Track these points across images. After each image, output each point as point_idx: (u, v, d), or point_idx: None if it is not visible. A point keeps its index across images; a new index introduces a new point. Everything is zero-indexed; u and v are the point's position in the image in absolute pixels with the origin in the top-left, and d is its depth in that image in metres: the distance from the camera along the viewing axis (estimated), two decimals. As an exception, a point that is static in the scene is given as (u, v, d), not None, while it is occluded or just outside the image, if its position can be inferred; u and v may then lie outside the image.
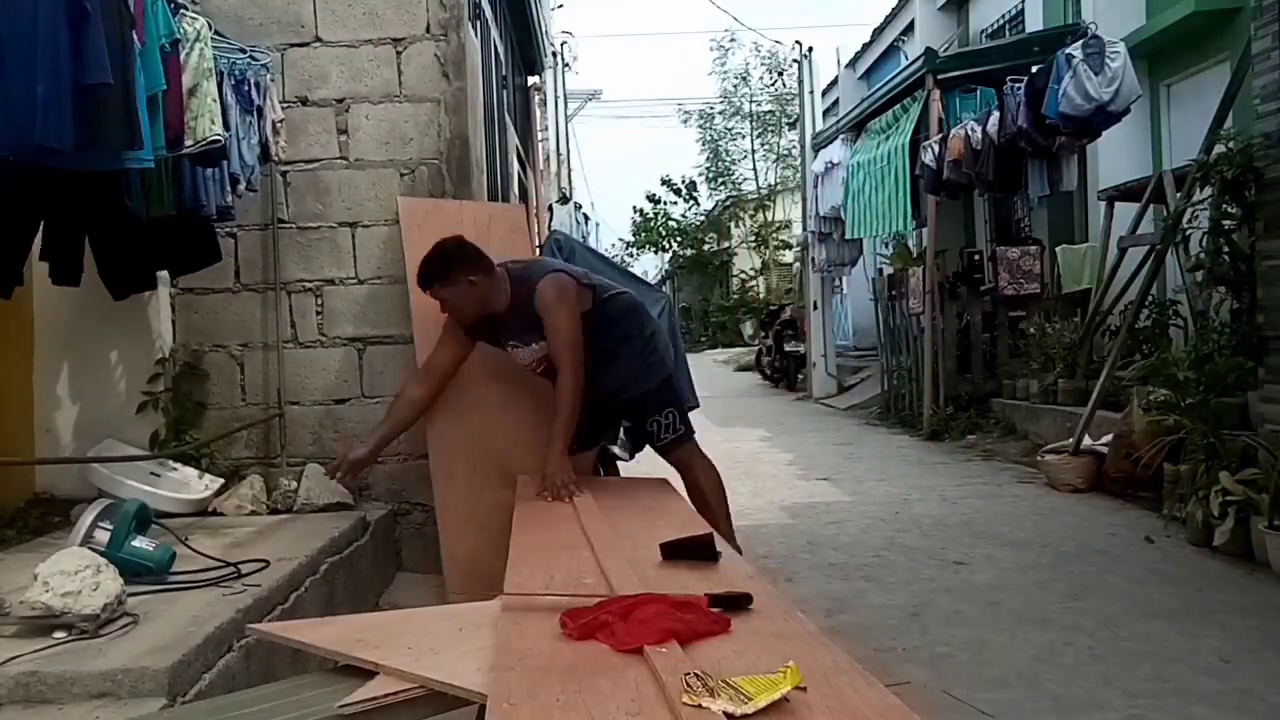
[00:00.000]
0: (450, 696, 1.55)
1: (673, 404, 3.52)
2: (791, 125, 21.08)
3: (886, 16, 14.20)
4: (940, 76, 8.53)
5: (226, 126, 3.24)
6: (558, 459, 3.13)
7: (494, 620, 1.81)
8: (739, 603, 1.78)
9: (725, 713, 1.27)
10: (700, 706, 1.28)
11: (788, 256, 22.64)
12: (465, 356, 3.51)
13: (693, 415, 4.91)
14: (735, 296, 24.90)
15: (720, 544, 2.27)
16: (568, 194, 15.49)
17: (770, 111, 24.58)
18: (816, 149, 12.36)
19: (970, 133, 7.59)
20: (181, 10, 2.98)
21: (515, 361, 3.46)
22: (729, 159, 26.26)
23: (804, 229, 13.39)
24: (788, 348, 13.78)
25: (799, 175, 14.58)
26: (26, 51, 2.38)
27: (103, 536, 2.61)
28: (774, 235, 23.54)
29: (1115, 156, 8.10)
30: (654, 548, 2.22)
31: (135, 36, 2.63)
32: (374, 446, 3.45)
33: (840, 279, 13.55)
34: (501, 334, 3.42)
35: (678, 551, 2.18)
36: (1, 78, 2.37)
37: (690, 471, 3.56)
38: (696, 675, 1.35)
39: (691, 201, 27.35)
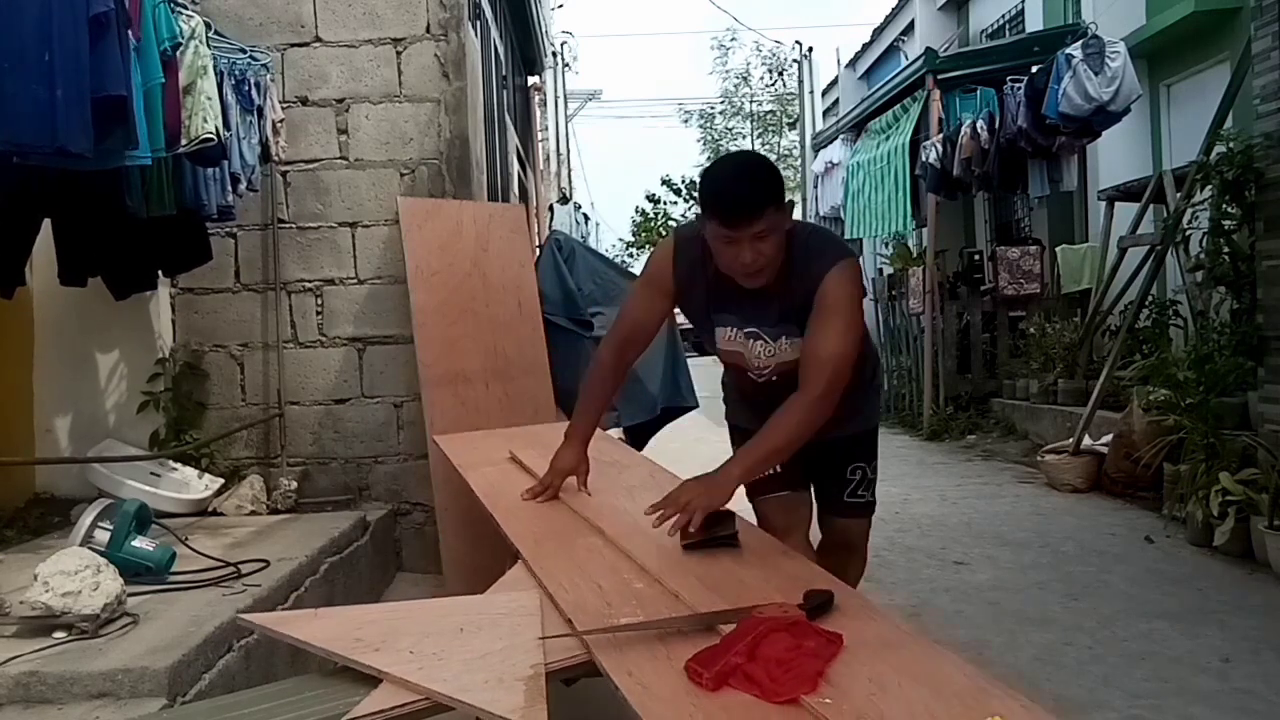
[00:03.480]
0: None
1: (875, 459, 2.64)
2: (792, 125, 21.08)
3: (886, 16, 14.21)
4: (940, 76, 8.53)
5: (227, 126, 3.24)
6: (723, 481, 2.13)
7: (494, 620, 1.80)
8: (826, 605, 1.76)
9: None
10: None
11: (788, 256, 22.64)
12: (660, 324, 2.55)
13: (693, 415, 4.93)
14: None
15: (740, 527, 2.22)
16: (568, 194, 15.50)
17: (771, 111, 24.59)
18: (816, 149, 12.38)
19: (980, 130, 7.61)
20: (179, 9, 2.98)
21: (737, 355, 2.39)
22: (729, 159, 26.25)
23: (804, 229, 13.41)
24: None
25: (799, 175, 14.60)
26: (41, 55, 2.39)
27: (103, 536, 2.62)
28: (774, 235, 23.52)
29: (1115, 156, 8.10)
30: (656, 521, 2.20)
31: (131, 35, 2.63)
32: (582, 441, 2.60)
33: (840, 279, 13.54)
34: (742, 311, 2.33)
35: (702, 543, 2.12)
36: (20, 78, 2.38)
37: (854, 556, 2.67)
38: None
39: (691, 201, 27.36)
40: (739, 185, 2.15)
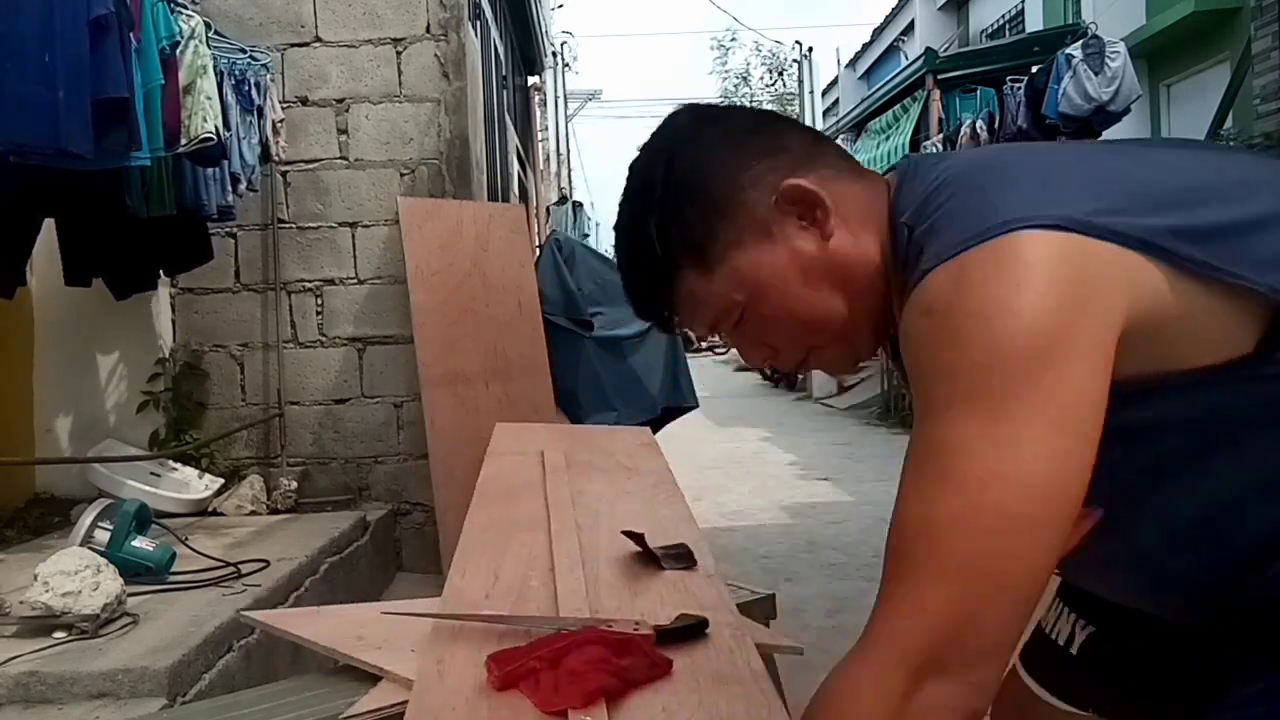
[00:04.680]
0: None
1: None
2: (791, 125, 21.10)
3: (886, 16, 14.23)
4: (940, 76, 8.55)
5: (227, 126, 3.24)
6: None
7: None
8: (693, 631, 1.55)
9: None
10: None
11: (788, 256, 22.66)
12: None
13: (693, 415, 4.93)
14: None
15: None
16: (567, 194, 15.50)
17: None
18: (816, 149, 12.38)
19: (980, 130, 7.62)
20: (178, 9, 2.98)
21: None
22: (729, 159, 26.30)
23: (804, 229, 13.42)
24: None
25: (799, 175, 14.61)
26: (42, 56, 2.40)
27: (103, 536, 2.61)
28: (774, 235, 23.54)
29: (1115, 156, 8.10)
30: (614, 527, 2.10)
31: (132, 37, 2.63)
32: None
33: (840, 279, 13.57)
34: None
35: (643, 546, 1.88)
36: (22, 80, 2.38)
37: None
38: None
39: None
40: (624, 281, 1.12)
